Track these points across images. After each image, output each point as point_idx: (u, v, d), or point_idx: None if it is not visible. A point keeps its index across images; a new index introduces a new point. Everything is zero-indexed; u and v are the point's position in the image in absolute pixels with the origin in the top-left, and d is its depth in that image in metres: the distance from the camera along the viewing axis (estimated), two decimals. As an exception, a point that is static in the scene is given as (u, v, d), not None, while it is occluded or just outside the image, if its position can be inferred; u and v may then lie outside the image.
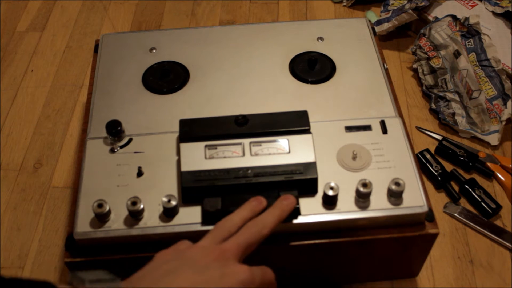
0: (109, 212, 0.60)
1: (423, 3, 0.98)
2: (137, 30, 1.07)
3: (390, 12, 1.00)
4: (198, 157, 0.62)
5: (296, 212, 0.59)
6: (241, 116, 0.65)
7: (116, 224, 0.60)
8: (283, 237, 0.61)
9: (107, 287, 0.45)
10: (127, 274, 0.65)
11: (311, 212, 0.60)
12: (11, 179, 0.85)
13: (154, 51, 0.78)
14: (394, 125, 0.68)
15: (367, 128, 0.68)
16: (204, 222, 0.59)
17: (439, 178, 0.81)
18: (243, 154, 0.63)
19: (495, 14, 1.00)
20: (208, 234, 0.53)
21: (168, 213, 0.60)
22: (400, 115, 0.70)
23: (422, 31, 0.95)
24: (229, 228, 0.53)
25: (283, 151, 0.63)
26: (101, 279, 0.45)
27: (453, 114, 0.89)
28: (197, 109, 0.71)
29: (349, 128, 0.67)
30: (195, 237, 0.60)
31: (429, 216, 0.62)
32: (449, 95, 0.90)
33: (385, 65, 0.76)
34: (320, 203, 0.61)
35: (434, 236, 0.63)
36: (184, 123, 0.65)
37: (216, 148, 0.63)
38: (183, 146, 0.63)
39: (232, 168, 0.61)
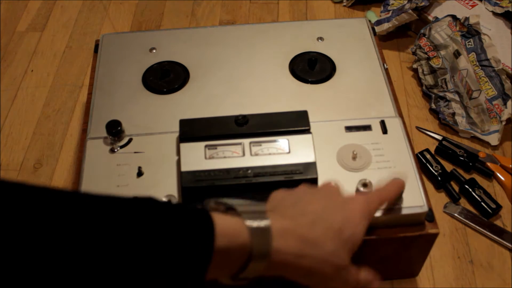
0: (109, 212, 0.60)
1: (423, 3, 0.98)
2: (137, 30, 1.07)
3: (390, 12, 1.00)
4: (198, 157, 0.62)
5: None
6: (241, 116, 0.65)
7: (116, 224, 0.60)
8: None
9: (254, 209, 0.47)
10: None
11: (311, 212, 0.60)
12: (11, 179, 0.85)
13: (154, 51, 0.78)
14: (394, 125, 0.68)
15: (367, 128, 0.68)
16: (204, 222, 0.59)
17: (439, 178, 0.81)
18: (243, 154, 0.63)
19: (495, 14, 1.00)
20: None
21: (168, 213, 0.60)
22: (400, 115, 0.70)
23: (422, 31, 0.95)
24: None
25: (283, 151, 0.63)
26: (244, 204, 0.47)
27: (453, 114, 0.89)
28: (197, 109, 0.71)
29: (349, 128, 0.67)
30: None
31: (429, 216, 0.62)
32: (449, 95, 0.90)
33: (385, 65, 0.76)
34: (320, 203, 0.61)
35: (434, 236, 0.63)
36: (184, 123, 0.65)
37: (216, 148, 0.63)
38: (183, 146, 0.63)
39: (232, 168, 0.61)
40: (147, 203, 0.42)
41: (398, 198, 0.60)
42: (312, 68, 0.75)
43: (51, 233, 0.36)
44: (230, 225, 0.43)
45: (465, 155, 0.83)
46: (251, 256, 0.44)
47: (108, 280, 0.38)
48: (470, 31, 0.93)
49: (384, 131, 0.67)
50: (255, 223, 0.44)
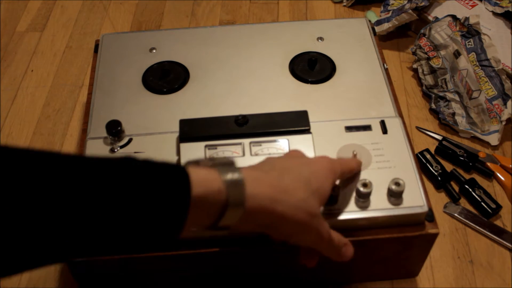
0: (109, 212, 0.60)
1: (423, 3, 0.98)
2: (137, 30, 1.07)
3: (390, 12, 1.00)
4: (198, 157, 0.62)
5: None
6: (241, 116, 0.65)
7: (116, 224, 0.60)
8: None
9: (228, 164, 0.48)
10: (128, 275, 0.65)
11: (311, 212, 0.60)
12: (11, 179, 0.85)
13: (154, 51, 0.78)
14: (394, 125, 0.68)
15: (367, 128, 0.68)
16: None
17: (439, 178, 0.81)
18: (243, 154, 0.63)
19: (495, 14, 1.00)
20: None
21: (168, 213, 0.60)
22: (400, 115, 0.70)
23: (422, 31, 0.95)
24: None
25: (283, 151, 0.63)
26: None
27: (453, 114, 0.89)
28: (197, 109, 0.71)
29: (349, 128, 0.67)
30: (194, 236, 0.60)
31: (429, 216, 0.62)
32: (449, 95, 0.90)
33: (385, 65, 0.76)
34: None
35: (434, 236, 0.63)
36: (184, 123, 0.65)
37: (216, 148, 0.63)
38: (183, 146, 0.63)
39: (232, 168, 0.61)
40: (126, 161, 0.43)
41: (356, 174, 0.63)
42: (312, 68, 0.75)
43: (35, 190, 0.36)
44: (205, 175, 0.45)
45: (465, 155, 0.83)
46: (227, 203, 0.45)
47: (89, 235, 0.39)
48: (470, 31, 0.93)
49: (384, 131, 0.67)
50: (228, 173, 0.46)
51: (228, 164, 0.48)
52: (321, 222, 0.53)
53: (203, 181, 0.44)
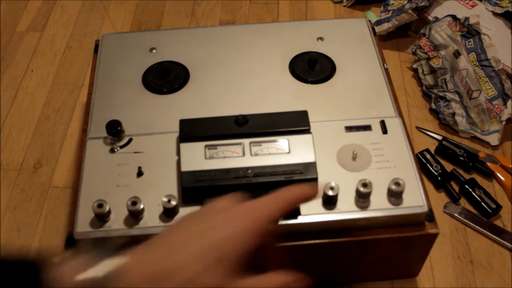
0: (109, 212, 0.60)
1: (423, 3, 0.98)
2: (137, 30, 1.07)
3: (390, 12, 1.00)
4: (198, 157, 0.62)
5: (296, 212, 0.60)
6: (241, 116, 0.65)
7: (116, 224, 0.60)
8: (283, 237, 0.61)
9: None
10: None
11: (311, 212, 0.60)
12: (11, 179, 0.85)
13: (154, 51, 0.78)
14: (394, 125, 0.68)
15: (367, 128, 0.68)
16: (204, 222, 0.59)
17: (439, 178, 0.81)
18: (243, 154, 0.63)
19: (495, 14, 1.00)
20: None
21: (168, 213, 0.60)
22: (400, 115, 0.70)
23: (422, 31, 0.95)
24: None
25: (283, 151, 0.63)
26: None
27: (453, 114, 0.89)
28: (197, 109, 0.71)
29: (349, 128, 0.67)
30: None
31: (429, 216, 0.62)
32: (449, 95, 0.90)
33: (385, 65, 0.76)
34: (320, 203, 0.61)
35: (434, 236, 0.63)
36: (184, 123, 0.65)
37: (216, 148, 0.63)
38: (183, 146, 0.63)
39: (232, 168, 0.61)
40: None
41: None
42: (312, 68, 0.75)
43: None
44: (64, 273, 0.42)
45: (465, 155, 0.83)
46: None
47: None
48: (470, 31, 0.93)
49: (384, 131, 0.67)
50: (97, 266, 0.43)
51: (102, 254, 0.44)
52: None
53: (60, 279, 0.41)
